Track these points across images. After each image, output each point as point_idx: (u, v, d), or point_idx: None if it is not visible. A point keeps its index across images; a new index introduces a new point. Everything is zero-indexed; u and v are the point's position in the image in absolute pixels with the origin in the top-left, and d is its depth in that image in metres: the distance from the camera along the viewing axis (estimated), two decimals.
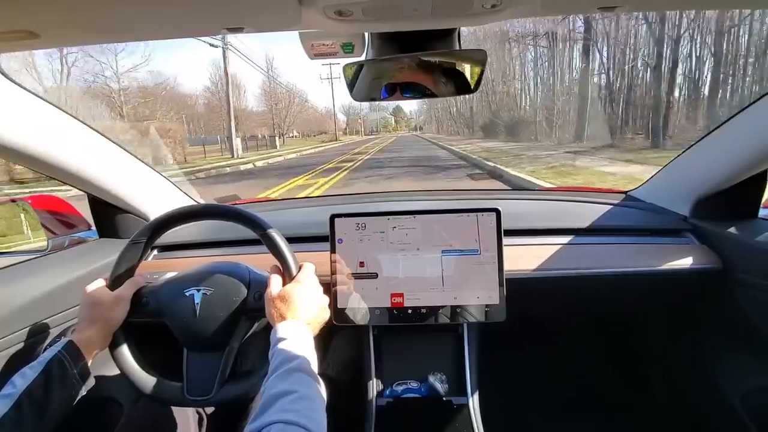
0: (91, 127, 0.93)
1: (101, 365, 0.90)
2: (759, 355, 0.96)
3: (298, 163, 15.43)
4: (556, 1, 0.54)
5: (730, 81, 15.02)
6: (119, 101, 21.53)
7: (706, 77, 15.41)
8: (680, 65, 14.86)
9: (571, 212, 1.21)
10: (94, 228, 1.14)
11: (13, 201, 1.25)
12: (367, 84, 0.71)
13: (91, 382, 0.69)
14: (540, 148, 14.79)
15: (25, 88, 0.76)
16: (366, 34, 0.68)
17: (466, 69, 0.68)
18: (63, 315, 0.88)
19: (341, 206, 1.39)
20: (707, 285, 1.01)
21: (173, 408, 1.03)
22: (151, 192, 1.14)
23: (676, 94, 14.97)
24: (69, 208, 1.20)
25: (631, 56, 16.55)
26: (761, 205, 0.99)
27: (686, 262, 0.97)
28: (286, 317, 0.66)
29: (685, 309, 1.17)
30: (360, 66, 0.70)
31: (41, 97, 0.80)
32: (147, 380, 0.74)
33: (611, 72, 17.17)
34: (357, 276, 0.91)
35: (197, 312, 0.74)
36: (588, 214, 1.13)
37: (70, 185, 0.95)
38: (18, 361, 0.78)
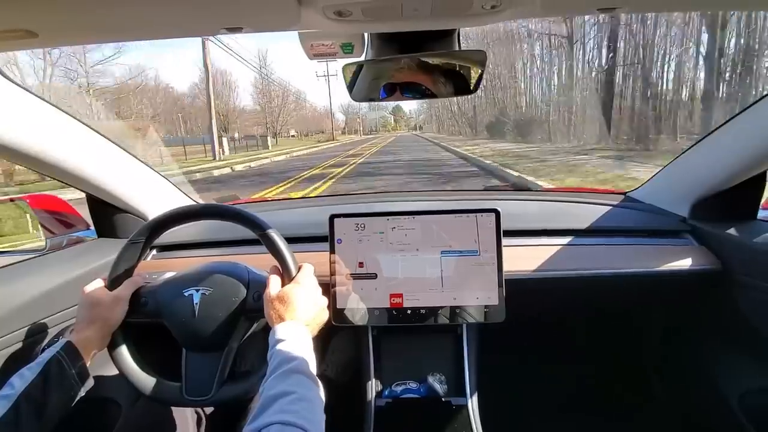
0: (89, 127, 0.92)
1: (100, 366, 0.90)
2: (757, 356, 0.96)
3: (278, 168, 13.66)
4: (555, 1, 0.54)
5: None
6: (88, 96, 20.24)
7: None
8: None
9: (570, 213, 1.21)
10: (92, 227, 1.13)
11: (12, 200, 1.25)
12: (366, 84, 0.71)
13: (89, 382, 0.69)
14: (561, 150, 13.31)
15: (23, 87, 0.76)
16: (365, 35, 0.68)
17: (466, 69, 0.68)
18: (61, 315, 0.88)
19: (341, 206, 1.39)
20: (706, 286, 1.01)
21: (172, 408, 1.02)
22: (150, 192, 1.14)
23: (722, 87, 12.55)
24: (67, 207, 1.19)
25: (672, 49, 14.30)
26: (760, 207, 0.99)
27: (685, 263, 0.97)
28: (285, 318, 0.66)
29: (684, 310, 1.17)
30: (359, 66, 0.69)
31: (40, 96, 0.79)
32: (146, 380, 0.74)
33: (645, 63, 14.49)
34: (356, 276, 0.91)
35: (196, 312, 0.74)
36: (587, 215, 1.13)
37: (68, 185, 0.95)
38: (16, 361, 0.78)
